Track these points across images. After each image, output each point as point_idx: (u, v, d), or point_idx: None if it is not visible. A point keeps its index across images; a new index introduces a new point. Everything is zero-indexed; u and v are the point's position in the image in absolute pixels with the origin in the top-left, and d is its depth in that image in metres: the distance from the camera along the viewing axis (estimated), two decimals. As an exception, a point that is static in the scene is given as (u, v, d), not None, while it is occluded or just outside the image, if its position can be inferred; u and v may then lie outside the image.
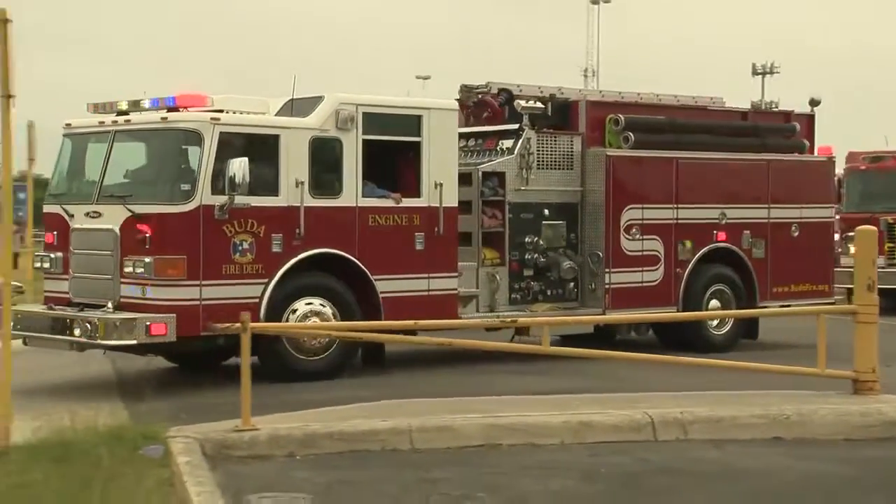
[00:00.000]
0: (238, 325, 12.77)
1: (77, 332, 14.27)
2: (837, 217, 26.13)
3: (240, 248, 15.58)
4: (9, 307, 12.48)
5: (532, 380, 16.67)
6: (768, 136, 20.04)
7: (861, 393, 14.48)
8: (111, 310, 15.22)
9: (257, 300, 15.65)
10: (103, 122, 16.74)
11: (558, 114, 19.25)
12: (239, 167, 14.85)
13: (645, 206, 18.79)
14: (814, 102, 21.31)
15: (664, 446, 12.72)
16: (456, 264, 17.59)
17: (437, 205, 17.11)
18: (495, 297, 17.94)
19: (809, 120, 20.52)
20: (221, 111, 16.19)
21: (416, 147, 17.14)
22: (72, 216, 16.46)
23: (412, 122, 17.46)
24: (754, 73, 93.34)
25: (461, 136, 18.71)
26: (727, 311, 20.43)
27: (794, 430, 13.28)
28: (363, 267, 16.44)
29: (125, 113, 16.51)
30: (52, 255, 16.90)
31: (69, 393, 14.86)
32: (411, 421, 12.80)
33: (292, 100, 16.82)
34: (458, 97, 20.01)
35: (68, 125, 17.61)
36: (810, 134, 20.28)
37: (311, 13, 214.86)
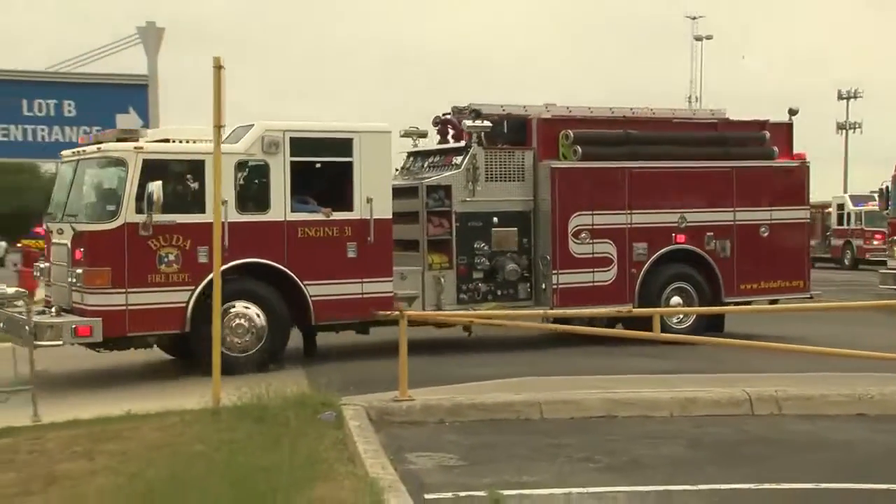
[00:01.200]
0: (397, 313, 13.78)
1: (25, 331, 14.66)
2: (888, 221, 25.66)
3: (165, 259, 16.17)
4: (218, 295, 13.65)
5: (639, 360, 16.98)
6: (734, 146, 19.61)
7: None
8: (54, 314, 16.00)
9: (184, 305, 16.22)
10: (78, 152, 17.70)
11: (515, 131, 19.52)
12: (154, 189, 15.51)
13: (595, 212, 18.67)
14: (792, 112, 21.09)
15: (760, 420, 13.07)
16: (390, 269, 17.94)
17: (369, 217, 17.46)
18: (441, 298, 18.27)
19: (787, 128, 20.11)
20: (166, 140, 17.37)
21: (348, 166, 17.56)
22: (50, 232, 17.52)
23: (344, 145, 17.95)
24: (839, 97, 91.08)
25: (428, 153, 19.65)
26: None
27: (876, 407, 13.56)
28: (292, 274, 16.88)
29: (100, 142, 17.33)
30: (42, 266, 18.14)
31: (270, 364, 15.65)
32: (540, 395, 13.47)
33: (238, 127, 17.48)
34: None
35: (61, 155, 18.78)
36: (789, 141, 19.83)
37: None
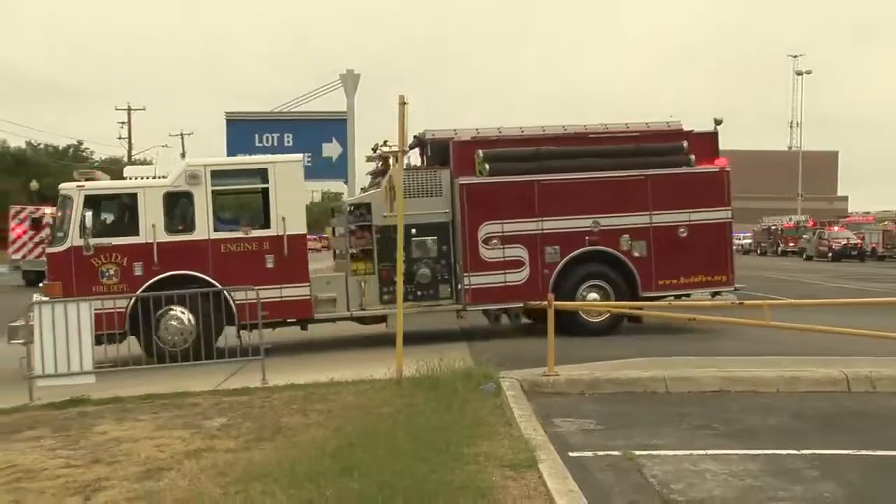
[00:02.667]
0: (545, 303, 13.98)
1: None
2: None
3: (106, 274, 17.16)
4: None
5: (744, 344, 16.79)
6: (651, 155, 18.70)
7: None
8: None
9: (123, 310, 16.67)
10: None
11: (439, 152, 19.45)
12: (87, 219, 16.89)
13: (504, 221, 18.29)
14: (717, 121, 20.06)
15: (856, 396, 12.96)
16: (306, 276, 18.14)
17: (283, 233, 17.80)
18: (363, 299, 18.48)
19: (712, 137, 19.11)
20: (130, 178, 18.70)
21: (266, 191, 18.04)
22: None
23: (260, 173, 18.32)
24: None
25: (375, 174, 19.93)
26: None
27: None
28: (216, 283, 17.27)
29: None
30: None
31: (438, 345, 15.97)
32: (665, 372, 13.64)
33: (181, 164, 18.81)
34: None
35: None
36: (714, 149, 18.86)
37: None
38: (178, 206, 17.87)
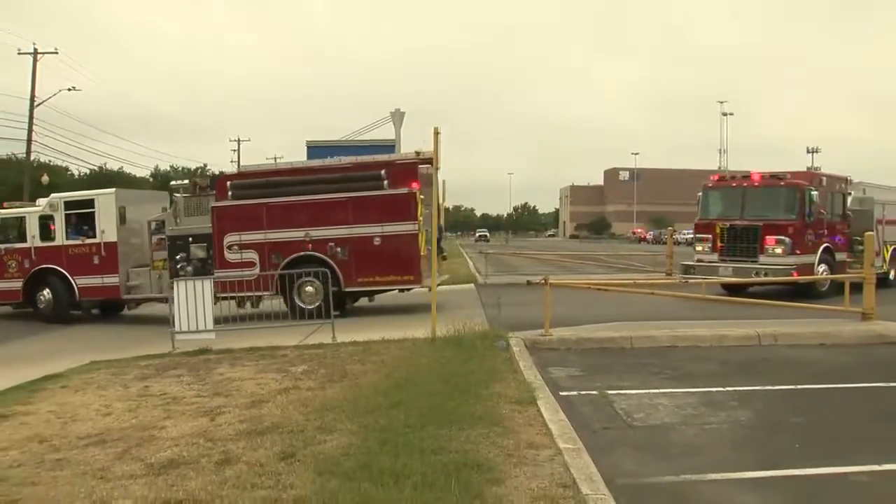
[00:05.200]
0: (542, 280, 14.04)
1: None
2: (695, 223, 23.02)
3: (9, 267, 20.54)
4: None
5: (690, 311, 16.63)
6: (354, 182, 18.24)
7: (866, 320, 14.89)
8: None
9: (19, 289, 20.31)
10: None
11: (214, 184, 20.08)
12: None
13: (242, 233, 18.62)
14: (418, 153, 19.19)
15: (765, 348, 13.28)
16: (117, 270, 19.97)
17: (101, 241, 19.96)
18: (161, 284, 19.75)
19: (412, 165, 18.26)
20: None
21: (94, 213, 20.19)
22: None
23: (90, 202, 20.38)
24: (808, 151, 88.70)
25: (193, 197, 20.42)
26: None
27: (832, 339, 13.79)
28: (67, 273, 20.13)
29: None
30: None
31: (462, 312, 15.80)
32: (632, 332, 13.75)
33: (52, 196, 21.43)
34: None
35: None
36: (414, 174, 18.10)
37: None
38: (46, 224, 20.57)
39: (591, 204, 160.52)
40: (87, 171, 76.84)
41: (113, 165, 79.39)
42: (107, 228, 19.95)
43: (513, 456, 6.81)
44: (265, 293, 18.33)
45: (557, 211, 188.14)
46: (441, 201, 19.44)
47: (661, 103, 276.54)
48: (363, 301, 19.00)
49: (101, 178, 69.77)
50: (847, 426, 8.42)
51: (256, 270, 18.23)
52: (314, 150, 27.64)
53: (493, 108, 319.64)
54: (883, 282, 23.09)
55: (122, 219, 20.20)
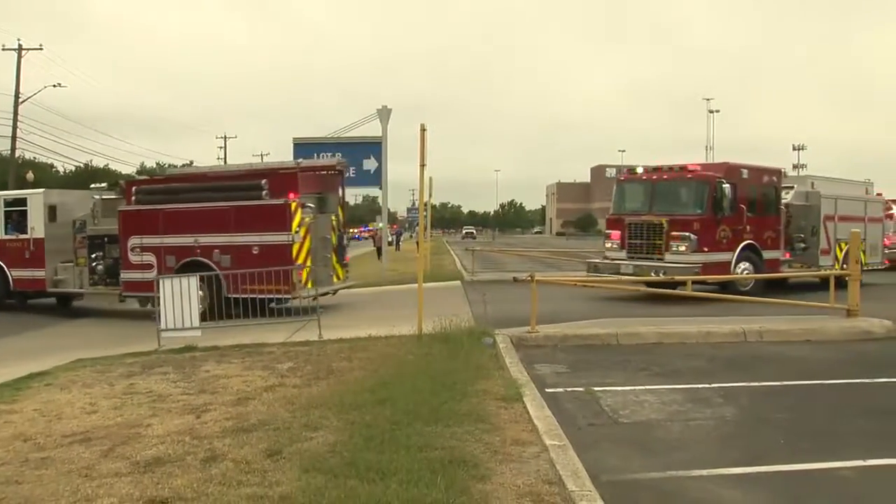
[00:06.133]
0: (528, 277, 14.04)
1: None
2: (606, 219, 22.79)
3: None
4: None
5: (677, 308, 16.75)
6: (238, 191, 18.30)
7: (851, 316, 14.99)
8: None
9: None
10: None
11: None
12: None
13: (143, 236, 19.14)
14: (297, 163, 20.11)
15: (750, 344, 13.37)
16: (44, 264, 21.09)
17: (31, 237, 21.20)
18: (82, 280, 20.91)
19: (293, 175, 18.35)
20: None
21: (25, 212, 21.49)
22: None
23: (23, 201, 21.77)
24: (794, 148, 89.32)
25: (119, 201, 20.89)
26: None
27: (817, 335, 13.87)
28: (3, 265, 21.58)
29: None
30: None
31: (448, 310, 15.50)
32: (617, 329, 13.75)
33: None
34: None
35: None
36: (294, 184, 18.13)
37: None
38: None
39: (577, 201, 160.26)
40: (73, 168, 76.76)
41: (99, 162, 79.34)
42: (36, 225, 21.37)
43: (499, 453, 6.79)
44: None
45: (544, 208, 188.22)
46: (427, 198, 19.46)
47: (649, 100, 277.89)
48: (349, 298, 18.91)
49: (87, 175, 69.50)
50: (832, 422, 8.45)
51: (154, 272, 18.56)
52: (301, 146, 27.59)
53: (481, 104, 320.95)
54: (839, 281, 22.28)
55: (52, 217, 21.47)
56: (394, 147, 29.51)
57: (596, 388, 9.83)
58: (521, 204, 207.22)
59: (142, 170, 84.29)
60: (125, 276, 19.44)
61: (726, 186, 19.93)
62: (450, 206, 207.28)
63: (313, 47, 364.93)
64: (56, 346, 14.96)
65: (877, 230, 24.84)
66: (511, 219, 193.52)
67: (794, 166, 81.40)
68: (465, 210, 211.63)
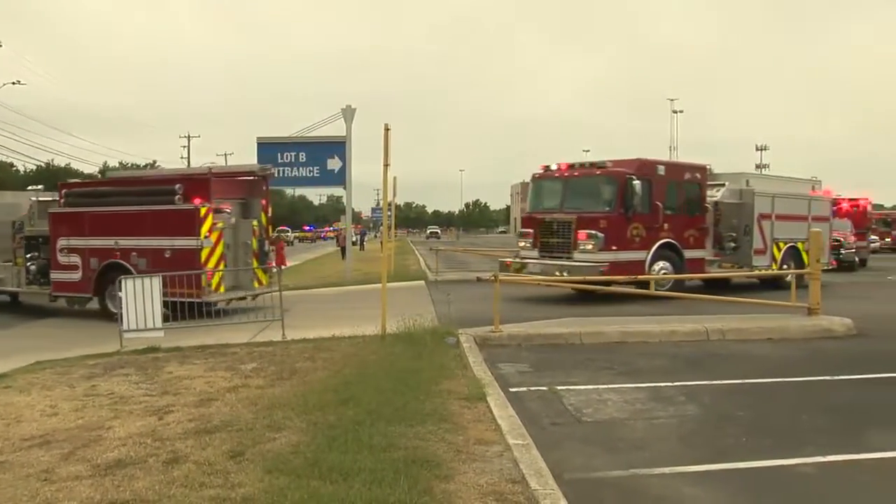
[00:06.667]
0: (492, 276, 14.07)
1: None
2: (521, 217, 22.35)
3: None
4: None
5: (640, 307, 16.90)
6: (155, 195, 18.30)
7: (812, 315, 15.15)
8: None
9: None
10: None
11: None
12: None
13: (70, 238, 19.33)
14: (209, 168, 20.38)
15: (713, 343, 13.48)
16: None
17: None
18: (20, 279, 20.97)
19: (205, 180, 18.40)
20: None
21: None
22: None
23: None
24: (756, 148, 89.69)
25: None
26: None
27: (778, 333, 14.05)
28: None
29: None
30: None
31: (412, 309, 15.44)
32: (581, 328, 13.81)
33: None
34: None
35: None
36: (206, 189, 18.12)
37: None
38: None
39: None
40: (34, 168, 75.86)
41: (61, 161, 78.50)
42: None
43: (462, 452, 6.79)
44: (86, 295, 19.28)
45: (509, 208, 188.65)
46: (392, 198, 19.45)
47: (615, 100, 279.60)
48: (313, 298, 18.84)
49: (48, 174, 68.76)
50: (793, 419, 8.54)
51: (80, 273, 19.18)
52: (264, 146, 27.47)
53: (447, 104, 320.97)
54: (777, 283, 22.33)
55: None
56: (359, 147, 29.45)
57: (559, 387, 9.86)
58: (485, 204, 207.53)
59: (104, 169, 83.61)
60: (55, 276, 19.75)
61: (637, 183, 19.43)
62: (414, 205, 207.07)
63: (280, 47, 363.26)
64: (15, 348, 14.71)
65: (822, 229, 23.54)
66: (476, 218, 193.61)
67: (757, 166, 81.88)
68: (429, 210, 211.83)
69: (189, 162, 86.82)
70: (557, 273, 18.94)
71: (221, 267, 18.02)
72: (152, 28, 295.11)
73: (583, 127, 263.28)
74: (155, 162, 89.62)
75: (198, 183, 18.47)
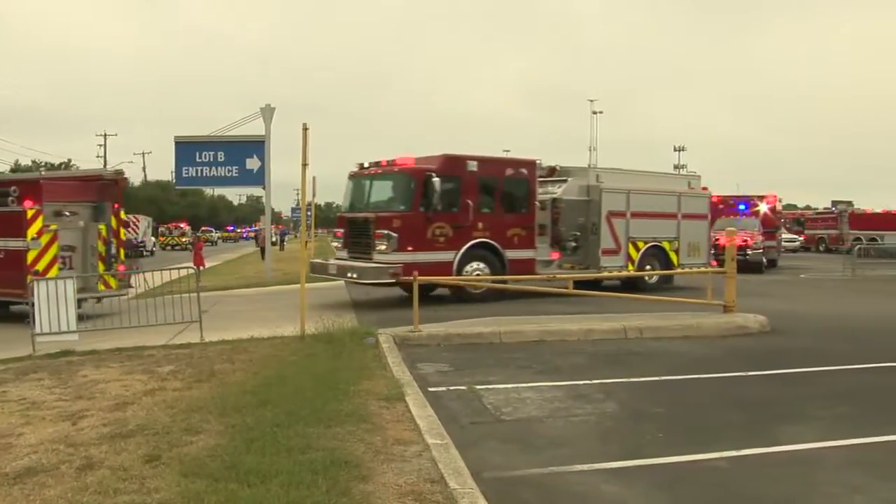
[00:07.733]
0: (411, 278, 14.09)
1: None
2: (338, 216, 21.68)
3: None
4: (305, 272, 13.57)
5: (558, 306, 17.05)
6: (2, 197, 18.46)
7: (728, 312, 15.56)
8: None
9: None
10: None
11: None
12: None
13: None
14: (117, 171, 20.66)
15: (631, 341, 13.70)
16: None
17: None
18: None
19: (35, 184, 18.56)
20: None
21: None
22: None
23: None
24: (674, 149, 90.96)
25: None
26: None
27: (694, 331, 14.38)
28: None
29: None
30: None
31: (332, 310, 15.82)
32: (500, 328, 13.90)
33: None
34: None
35: None
36: (35, 192, 18.06)
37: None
38: None
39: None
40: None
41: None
42: None
43: (381, 452, 6.77)
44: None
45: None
46: (311, 198, 19.28)
47: (542, 100, 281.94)
48: (233, 299, 18.65)
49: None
50: (707, 415, 8.75)
51: None
52: (182, 145, 27.11)
53: (371, 102, 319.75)
54: (634, 285, 21.48)
55: None
56: (280, 147, 29.23)
57: (479, 387, 9.89)
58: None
59: (16, 167, 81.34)
60: None
61: (436, 181, 18.27)
62: (335, 205, 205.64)
63: (200, 46, 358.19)
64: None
65: (698, 228, 23.23)
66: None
67: (675, 167, 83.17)
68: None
69: (105, 161, 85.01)
70: (349, 275, 18.52)
71: (55, 269, 17.80)
72: (68, 22, 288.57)
73: (508, 126, 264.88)
74: (70, 161, 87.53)
75: (32, 186, 18.46)
